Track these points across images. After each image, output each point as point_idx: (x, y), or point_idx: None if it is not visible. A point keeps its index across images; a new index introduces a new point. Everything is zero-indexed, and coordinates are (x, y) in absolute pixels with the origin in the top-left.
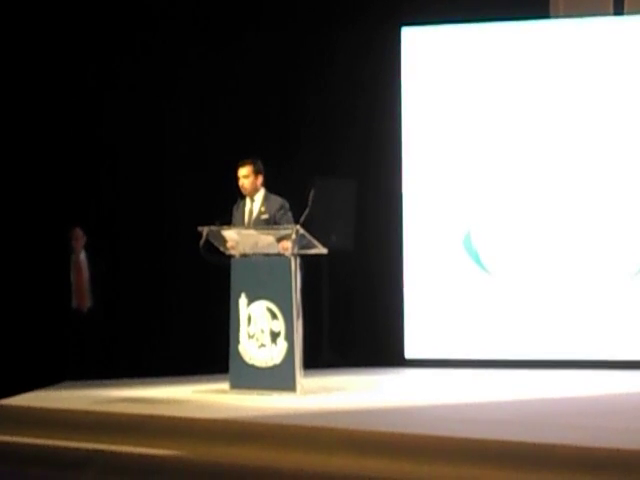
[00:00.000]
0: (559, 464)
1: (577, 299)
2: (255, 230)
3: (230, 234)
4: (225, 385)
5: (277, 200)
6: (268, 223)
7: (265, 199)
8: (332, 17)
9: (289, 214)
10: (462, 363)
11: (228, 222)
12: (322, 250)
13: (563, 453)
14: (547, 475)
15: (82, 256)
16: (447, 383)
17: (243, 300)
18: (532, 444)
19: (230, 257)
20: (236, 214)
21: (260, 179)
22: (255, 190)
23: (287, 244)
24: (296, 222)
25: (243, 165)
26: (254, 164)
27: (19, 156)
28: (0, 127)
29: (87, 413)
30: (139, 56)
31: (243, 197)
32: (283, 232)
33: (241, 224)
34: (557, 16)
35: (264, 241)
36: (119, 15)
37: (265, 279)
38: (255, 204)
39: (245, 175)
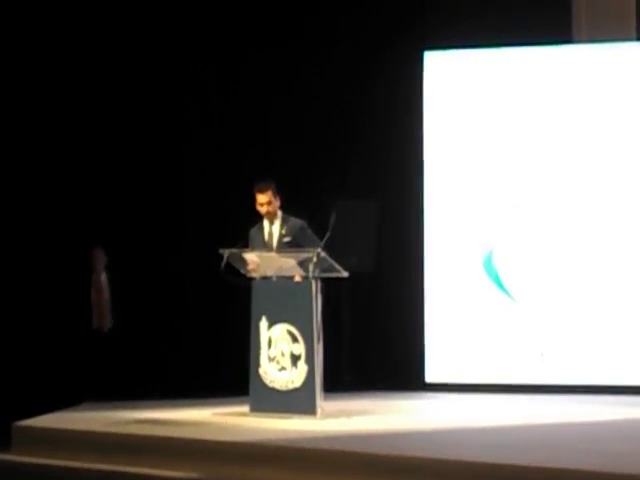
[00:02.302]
0: None
1: (597, 323)
2: (276, 253)
3: (251, 256)
4: (245, 408)
5: (296, 221)
6: (290, 245)
7: (284, 221)
8: (355, 40)
9: (309, 232)
10: (482, 387)
11: (246, 245)
12: (343, 274)
13: (583, 478)
14: None
15: (103, 276)
16: (467, 407)
17: (264, 323)
18: (552, 469)
19: (251, 279)
20: (255, 237)
21: (278, 202)
22: (275, 213)
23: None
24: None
25: (262, 191)
26: (272, 188)
27: (40, 177)
28: (23, 148)
29: (107, 434)
30: (161, 76)
31: (261, 219)
32: (304, 255)
33: (261, 246)
34: (580, 41)
35: (285, 264)
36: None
37: (286, 302)
38: (274, 227)
39: (267, 201)
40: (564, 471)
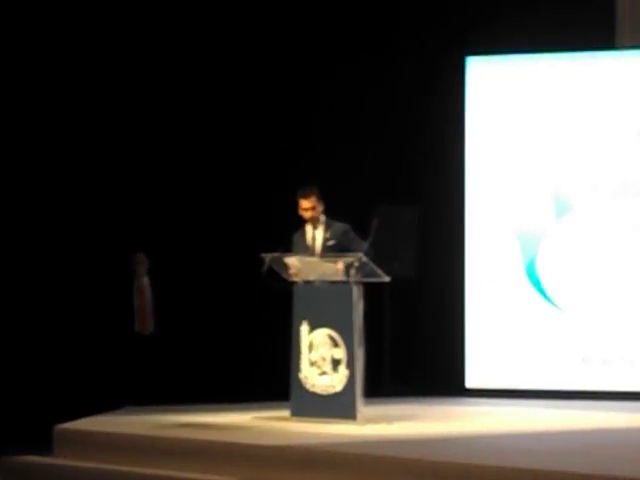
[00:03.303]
0: None
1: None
2: (318, 257)
3: (293, 261)
4: (286, 412)
5: (340, 225)
6: (335, 249)
7: (328, 225)
8: (398, 47)
9: (353, 235)
10: (522, 393)
11: (288, 249)
12: (384, 278)
13: None
14: None
15: (145, 280)
16: (507, 413)
17: (305, 327)
18: (596, 476)
19: (292, 283)
20: (298, 241)
21: (322, 206)
22: (318, 218)
23: (340, 266)
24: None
25: (306, 197)
26: (316, 193)
27: (84, 182)
28: (67, 153)
29: (147, 438)
30: (203, 77)
31: (303, 224)
32: (346, 260)
33: (304, 251)
34: (623, 47)
35: (328, 269)
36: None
37: (327, 306)
38: (318, 231)
39: (311, 207)
40: (605, 478)
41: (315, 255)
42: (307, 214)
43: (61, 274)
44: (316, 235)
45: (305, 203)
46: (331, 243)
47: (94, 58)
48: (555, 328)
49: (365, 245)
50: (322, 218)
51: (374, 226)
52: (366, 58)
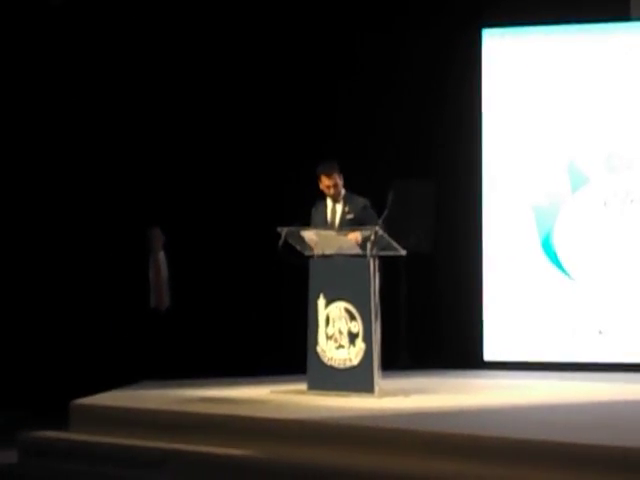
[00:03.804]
0: (637, 467)
1: None
2: (334, 231)
3: (309, 235)
4: (303, 386)
5: (360, 200)
6: (353, 223)
7: (347, 199)
8: (413, 18)
9: (372, 211)
10: (540, 365)
11: (305, 223)
12: (401, 252)
13: None
14: (627, 478)
15: (161, 256)
16: (525, 385)
17: (321, 301)
18: (611, 447)
19: (308, 258)
20: (316, 215)
21: (342, 181)
22: (340, 193)
23: (356, 235)
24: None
25: (329, 175)
26: (337, 170)
27: (100, 157)
28: (84, 129)
29: (164, 413)
30: (216, 53)
31: (323, 198)
32: (363, 233)
33: (323, 225)
34: (638, 18)
35: (345, 242)
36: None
37: (344, 280)
38: (338, 205)
39: (334, 184)
40: (623, 449)
41: (334, 229)
42: (330, 191)
43: (79, 250)
44: (336, 209)
45: (327, 180)
46: (350, 217)
47: (103, 44)
48: (572, 300)
49: (379, 221)
50: (342, 192)
51: (390, 200)
52: (382, 34)
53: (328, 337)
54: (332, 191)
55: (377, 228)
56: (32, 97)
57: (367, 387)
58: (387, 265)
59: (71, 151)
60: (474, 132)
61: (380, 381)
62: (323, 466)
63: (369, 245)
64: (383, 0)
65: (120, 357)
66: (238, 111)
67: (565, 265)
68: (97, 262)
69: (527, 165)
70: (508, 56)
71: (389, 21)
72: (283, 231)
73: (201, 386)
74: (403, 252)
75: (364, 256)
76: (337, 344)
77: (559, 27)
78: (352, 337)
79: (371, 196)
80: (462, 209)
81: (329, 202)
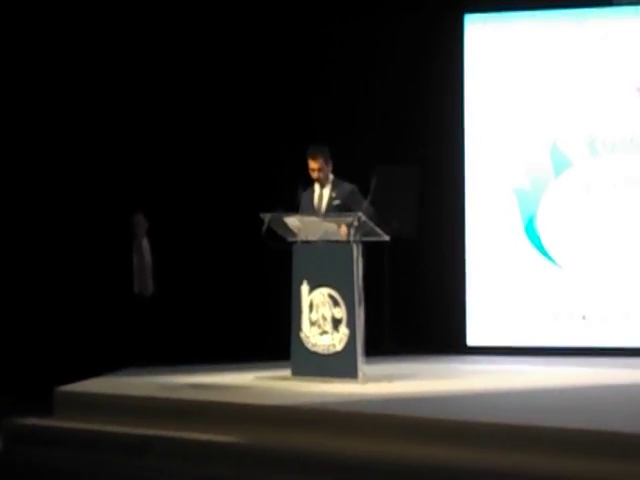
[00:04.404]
0: (620, 451)
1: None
2: (318, 217)
3: (292, 221)
4: (287, 372)
5: (347, 185)
6: (340, 208)
7: (335, 185)
8: (395, 3)
9: (359, 196)
10: (524, 350)
11: (296, 207)
12: (384, 237)
13: (623, 441)
14: (610, 463)
15: (144, 242)
16: (508, 370)
17: (305, 287)
18: (593, 432)
19: (292, 243)
20: (304, 200)
21: (330, 166)
22: (327, 178)
23: (344, 229)
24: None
25: (314, 158)
26: (324, 154)
27: (83, 143)
28: (68, 116)
29: (148, 399)
30: (203, 46)
31: (311, 183)
32: (346, 219)
33: (311, 210)
34: (620, 3)
35: (330, 228)
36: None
37: (327, 266)
38: (325, 190)
39: (319, 167)
40: (604, 434)
41: (320, 214)
42: (314, 174)
43: (61, 236)
44: (323, 194)
45: (312, 164)
46: (337, 203)
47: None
48: (555, 285)
49: (364, 206)
50: (330, 177)
51: (373, 185)
52: (363, 19)
53: (312, 323)
54: (316, 174)
55: (360, 214)
56: (14, 87)
57: (351, 373)
58: (371, 250)
59: (54, 138)
60: (456, 117)
61: (364, 367)
62: (307, 452)
63: (352, 231)
64: None
65: (104, 343)
66: (221, 96)
67: (548, 250)
68: (81, 248)
69: (510, 149)
70: (490, 41)
71: (371, 6)
72: (266, 217)
73: (185, 372)
74: (387, 238)
75: (347, 242)
76: (321, 330)
77: (541, 12)
78: (336, 323)
79: (354, 182)
80: (445, 194)
81: (317, 187)
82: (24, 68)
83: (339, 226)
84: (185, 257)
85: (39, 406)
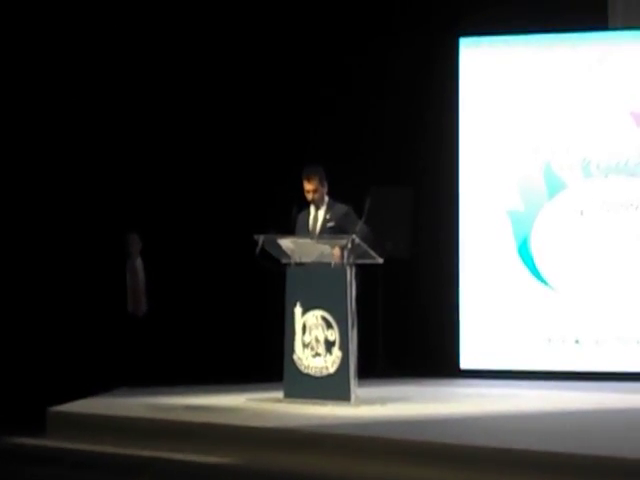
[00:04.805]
0: (614, 475)
1: (634, 310)
2: (311, 239)
3: (286, 242)
4: (279, 394)
5: (341, 207)
6: (334, 230)
7: (329, 206)
8: (389, 27)
9: (353, 217)
10: (517, 374)
11: (290, 229)
12: (378, 260)
13: (618, 465)
14: None
15: (138, 261)
16: (502, 394)
17: (298, 309)
18: (587, 456)
19: (285, 265)
20: (299, 221)
21: (326, 187)
22: (322, 199)
23: (337, 251)
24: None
25: (309, 179)
26: (319, 175)
27: (77, 162)
28: (60, 134)
29: (141, 420)
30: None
31: (307, 204)
32: (339, 241)
33: (305, 231)
34: (615, 28)
35: (321, 250)
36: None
37: (320, 288)
38: (320, 212)
39: (314, 189)
40: (599, 458)
41: (314, 236)
42: (309, 196)
43: (54, 255)
44: (318, 216)
45: (308, 185)
46: (331, 225)
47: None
48: (548, 308)
49: (365, 227)
50: (325, 199)
51: (367, 207)
52: (358, 44)
53: (305, 345)
54: (311, 196)
55: (353, 236)
56: (7, 104)
57: (343, 395)
58: (364, 272)
59: (49, 156)
60: (451, 139)
61: (356, 389)
62: (299, 474)
63: (346, 253)
64: (361, 11)
65: (97, 363)
66: (218, 117)
67: (542, 272)
68: (74, 267)
69: (504, 171)
70: (485, 64)
71: (367, 31)
72: (260, 238)
73: (178, 393)
74: (380, 260)
75: (341, 264)
76: (314, 352)
77: (536, 36)
78: (329, 345)
79: (348, 202)
80: (439, 216)
81: (312, 209)
82: (18, 87)
83: (332, 248)
84: (178, 277)
85: (32, 425)
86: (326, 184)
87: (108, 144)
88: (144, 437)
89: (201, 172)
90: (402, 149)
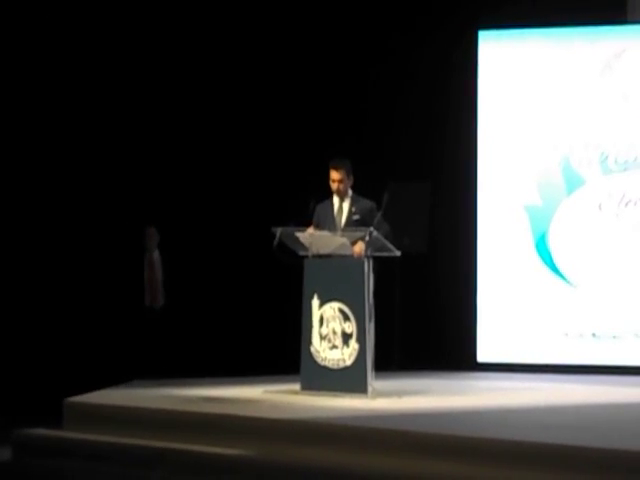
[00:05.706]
0: (631, 469)
1: None
2: (336, 230)
3: (304, 235)
4: (296, 386)
5: (367, 203)
6: (358, 224)
7: (354, 200)
8: (408, 22)
9: (378, 214)
10: (533, 367)
11: (307, 221)
12: (395, 253)
13: (633, 459)
14: None
15: (156, 254)
16: (518, 387)
17: (315, 301)
18: (603, 450)
19: (303, 257)
20: (322, 213)
21: (351, 181)
22: (346, 191)
23: (359, 247)
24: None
25: (337, 169)
26: (346, 167)
27: (96, 157)
28: (81, 130)
29: (158, 412)
30: (217, 55)
31: (325, 197)
32: (357, 234)
33: (331, 223)
34: (635, 21)
35: (339, 242)
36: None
37: (338, 280)
38: (345, 204)
39: (340, 179)
40: (615, 452)
41: (339, 227)
42: (335, 185)
43: (73, 248)
44: (343, 208)
45: (334, 174)
46: (356, 217)
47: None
48: (566, 303)
49: (387, 225)
50: (350, 192)
51: (385, 201)
52: (376, 39)
53: (322, 337)
54: (336, 186)
55: (371, 229)
56: (28, 96)
57: (360, 388)
58: (382, 266)
59: (67, 151)
60: (469, 133)
61: (373, 382)
62: (316, 466)
63: (364, 246)
64: (377, 6)
65: (115, 355)
66: (235, 111)
67: (559, 267)
68: (92, 261)
69: (522, 166)
70: (504, 58)
71: (384, 27)
72: (277, 231)
73: (194, 385)
74: (397, 253)
75: (359, 256)
76: (331, 344)
77: (555, 30)
78: (346, 337)
79: (367, 196)
80: (457, 210)
81: (336, 200)
82: (26, 82)
83: (354, 242)
84: (196, 270)
85: (49, 417)
86: (352, 177)
87: (127, 139)
88: (161, 428)
89: (219, 166)
90: (421, 144)
